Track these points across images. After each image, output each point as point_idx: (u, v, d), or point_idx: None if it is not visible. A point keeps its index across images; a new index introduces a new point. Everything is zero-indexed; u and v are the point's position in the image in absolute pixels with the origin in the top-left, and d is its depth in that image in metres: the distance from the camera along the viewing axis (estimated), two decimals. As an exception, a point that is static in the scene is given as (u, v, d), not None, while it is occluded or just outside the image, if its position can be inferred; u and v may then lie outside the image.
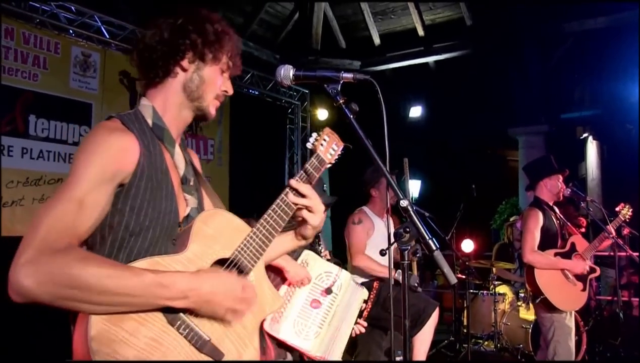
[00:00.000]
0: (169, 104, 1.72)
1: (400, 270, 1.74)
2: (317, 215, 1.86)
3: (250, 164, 8.87)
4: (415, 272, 4.68)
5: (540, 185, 4.73)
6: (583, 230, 6.97)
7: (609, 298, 7.16)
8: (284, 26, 10.95)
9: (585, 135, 11.06)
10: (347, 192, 5.03)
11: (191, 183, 1.76)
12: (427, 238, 1.59)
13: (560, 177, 4.70)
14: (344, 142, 2.01)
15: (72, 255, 1.35)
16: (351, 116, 1.71)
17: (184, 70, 1.71)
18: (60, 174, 6.30)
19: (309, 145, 1.94)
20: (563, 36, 9.38)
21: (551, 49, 9.51)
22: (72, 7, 6.57)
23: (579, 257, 4.64)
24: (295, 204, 1.81)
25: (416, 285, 4.41)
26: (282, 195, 1.81)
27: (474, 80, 10.37)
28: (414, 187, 11.23)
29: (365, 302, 4.21)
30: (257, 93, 9.13)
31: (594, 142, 11.07)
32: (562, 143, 10.23)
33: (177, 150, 1.72)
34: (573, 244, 4.67)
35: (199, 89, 1.72)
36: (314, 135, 1.97)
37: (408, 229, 1.58)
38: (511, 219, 8.96)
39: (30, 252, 1.32)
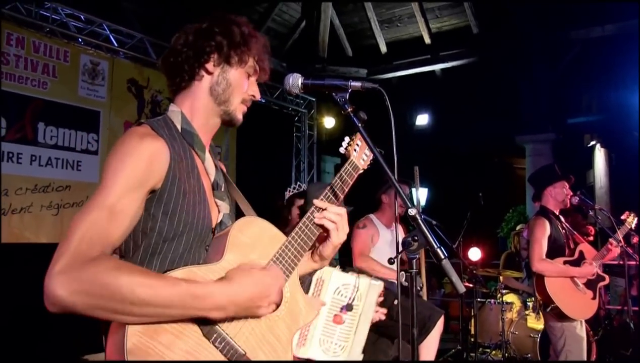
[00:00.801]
0: (196, 108, 1.70)
1: (405, 273, 1.72)
2: (341, 233, 1.83)
3: (257, 172, 8.88)
4: (423, 277, 4.66)
5: (546, 194, 4.70)
6: (591, 238, 6.93)
7: (619, 307, 7.10)
8: (291, 34, 10.99)
9: (593, 142, 11.01)
10: (355, 201, 5.01)
11: (222, 189, 1.74)
12: (436, 247, 1.57)
13: (566, 184, 4.66)
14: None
15: (105, 264, 1.32)
16: (359, 125, 1.71)
17: (210, 73, 1.69)
18: (69, 181, 6.34)
19: (341, 150, 1.92)
20: (570, 43, 9.36)
21: (558, 56, 9.49)
22: (82, 16, 6.64)
23: (586, 264, 4.61)
24: (320, 219, 1.79)
25: (420, 288, 4.39)
26: (308, 213, 1.79)
27: (481, 88, 10.35)
28: (421, 195, 11.21)
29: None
30: (264, 101, 9.15)
31: (602, 149, 11.02)
32: (570, 151, 10.19)
33: (208, 155, 1.70)
34: (581, 252, 4.63)
35: (225, 92, 1.70)
36: (346, 139, 1.95)
37: (416, 238, 1.58)
38: (517, 228, 8.91)
39: (63, 261, 1.30)
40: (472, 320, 6.61)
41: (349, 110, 1.71)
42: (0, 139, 5.75)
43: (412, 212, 1.55)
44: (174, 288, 1.35)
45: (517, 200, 10.74)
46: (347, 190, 1.90)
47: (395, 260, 1.76)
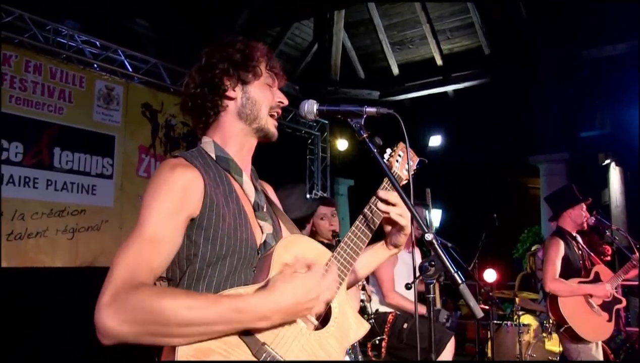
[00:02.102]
0: (228, 135, 1.73)
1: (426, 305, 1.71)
2: (408, 221, 1.81)
3: (270, 194, 8.88)
4: (437, 299, 4.62)
5: (564, 216, 4.68)
6: (609, 258, 6.83)
7: (637, 329, 6.96)
8: (303, 57, 11.09)
9: (607, 161, 10.92)
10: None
11: (264, 209, 1.74)
12: (453, 271, 1.56)
13: (584, 206, 4.64)
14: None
15: (147, 291, 1.35)
16: (375, 150, 1.71)
17: (232, 99, 1.72)
18: (84, 205, 6.39)
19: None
20: (582, 62, 9.35)
21: (571, 75, 9.47)
22: (97, 42, 6.76)
23: (602, 284, 4.56)
24: (385, 213, 1.78)
25: (445, 320, 4.37)
26: (370, 204, 1.79)
27: (493, 108, 10.34)
28: (435, 216, 11.15)
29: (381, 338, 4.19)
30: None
31: (617, 168, 10.91)
32: (584, 170, 10.11)
33: (246, 178, 1.72)
34: (597, 274, 4.59)
35: (253, 110, 1.72)
36: (388, 151, 1.93)
37: (433, 263, 1.56)
38: (533, 248, 8.81)
39: (109, 294, 1.33)
40: (489, 343, 6.51)
41: (365, 135, 1.71)
42: (16, 163, 5.84)
43: (428, 237, 1.54)
44: (216, 305, 1.37)
45: (532, 221, 10.64)
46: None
47: (413, 285, 1.74)
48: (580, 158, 9.74)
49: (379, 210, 1.79)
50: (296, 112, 10.03)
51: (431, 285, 1.64)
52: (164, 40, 8.44)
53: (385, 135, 1.79)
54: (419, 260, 1.82)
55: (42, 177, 6.08)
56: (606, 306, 4.50)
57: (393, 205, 1.79)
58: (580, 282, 4.48)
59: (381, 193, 1.80)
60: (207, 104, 1.71)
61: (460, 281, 1.54)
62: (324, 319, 1.64)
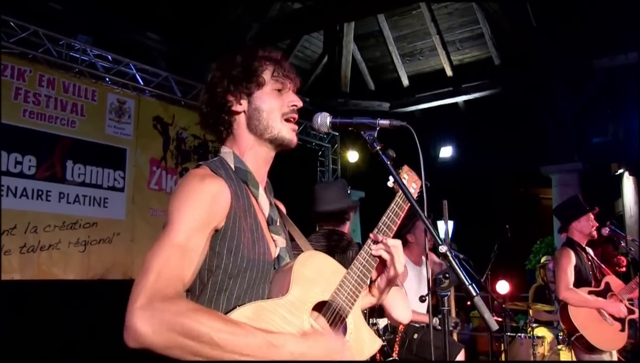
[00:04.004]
0: (243, 148, 1.74)
1: (437, 317, 1.70)
2: (397, 264, 1.81)
3: (281, 207, 8.88)
4: (453, 310, 4.58)
5: (571, 228, 4.69)
6: (624, 269, 6.76)
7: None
8: (314, 70, 11.12)
9: (620, 171, 10.82)
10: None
11: (277, 223, 1.76)
12: (467, 284, 1.55)
13: (591, 216, 4.62)
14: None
15: (185, 305, 1.37)
16: (388, 163, 1.71)
17: (240, 112, 1.74)
18: (96, 218, 6.42)
19: (390, 185, 1.89)
20: (593, 72, 9.30)
21: (582, 85, 9.42)
22: (109, 56, 6.83)
23: (614, 297, 4.53)
24: (377, 256, 1.80)
25: (452, 327, 4.33)
26: (365, 246, 1.81)
27: (504, 119, 10.29)
28: (448, 227, 11.07)
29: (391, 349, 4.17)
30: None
31: (630, 177, 10.80)
32: (597, 180, 10.02)
33: (261, 192, 1.74)
34: (607, 284, 4.59)
35: (262, 120, 1.72)
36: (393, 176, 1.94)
37: (447, 275, 1.56)
38: (542, 260, 8.72)
39: (143, 298, 1.33)
40: (503, 356, 6.43)
41: (378, 148, 1.71)
42: (30, 177, 5.90)
43: (442, 249, 1.54)
44: (252, 337, 1.38)
45: (545, 232, 10.54)
46: (399, 222, 1.90)
47: (427, 298, 1.74)
48: (592, 168, 9.65)
49: (371, 250, 1.80)
50: (307, 124, 10.06)
51: (445, 298, 1.63)
52: (174, 53, 8.51)
53: (396, 146, 1.79)
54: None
55: (55, 190, 6.12)
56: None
57: (385, 247, 1.79)
58: (590, 292, 4.46)
59: (373, 235, 1.82)
60: (218, 121, 1.74)
61: (474, 293, 1.53)
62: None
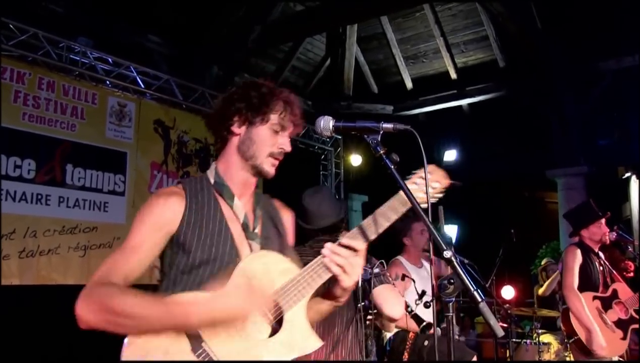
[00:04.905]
0: (228, 165, 1.96)
1: (440, 326, 1.67)
2: (352, 276, 1.84)
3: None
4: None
5: (582, 234, 4.68)
6: (631, 274, 6.68)
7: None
8: (316, 72, 11.08)
9: (627, 174, 10.71)
10: (383, 242, 4.90)
11: (255, 230, 1.94)
12: (473, 289, 1.52)
13: (603, 221, 4.59)
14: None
15: (109, 288, 1.68)
16: (392, 167, 1.69)
17: (236, 134, 1.93)
18: (96, 222, 6.36)
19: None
20: (600, 74, 9.22)
21: (588, 87, 9.34)
22: (110, 59, 6.79)
23: (620, 305, 4.49)
24: (332, 262, 1.82)
25: (457, 335, 4.27)
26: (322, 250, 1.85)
27: (509, 122, 10.24)
28: (451, 232, 11.00)
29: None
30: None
31: (638, 181, 10.69)
32: (604, 184, 9.93)
33: (237, 203, 1.93)
34: (615, 291, 4.58)
35: (250, 149, 1.91)
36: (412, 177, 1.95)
37: (452, 281, 1.51)
38: (542, 263, 8.63)
39: (86, 289, 1.69)
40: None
41: (382, 152, 1.73)
42: (29, 181, 5.84)
43: (447, 254, 1.49)
44: (161, 306, 1.68)
45: (550, 236, 10.45)
46: (386, 226, 1.86)
47: (431, 303, 1.69)
48: (599, 171, 9.56)
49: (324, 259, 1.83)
50: (309, 128, 10.03)
51: (450, 304, 1.61)
52: (176, 56, 8.47)
53: (400, 150, 1.78)
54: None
55: (55, 194, 6.06)
56: (621, 324, 4.47)
57: (340, 255, 1.82)
58: (595, 297, 4.46)
59: (329, 245, 1.85)
60: (216, 132, 1.97)
61: (480, 299, 1.52)
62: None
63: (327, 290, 1.95)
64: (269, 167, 1.93)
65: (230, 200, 1.91)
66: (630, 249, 5.18)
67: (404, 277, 4.43)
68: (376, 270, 2.78)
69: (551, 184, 10.02)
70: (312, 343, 1.83)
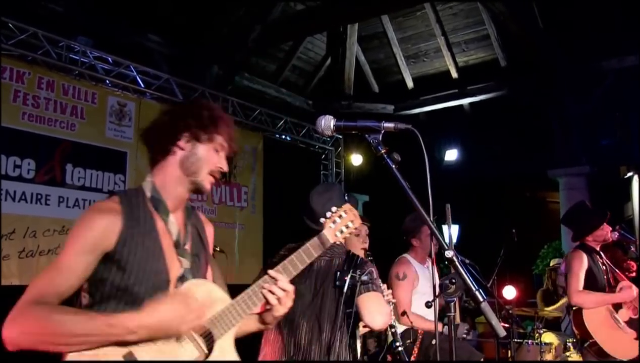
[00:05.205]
0: (167, 179, 1.97)
1: (446, 323, 1.66)
2: (284, 307, 2.01)
3: (284, 211, 8.80)
4: (457, 316, 4.47)
5: (586, 237, 4.63)
6: (634, 274, 6.64)
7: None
8: (317, 72, 11.07)
9: (629, 174, 10.67)
10: (386, 241, 4.89)
11: (186, 247, 1.97)
12: (474, 289, 1.51)
13: (604, 224, 4.55)
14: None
15: (44, 308, 1.67)
16: (393, 166, 1.68)
17: (182, 149, 1.95)
18: (95, 222, 6.33)
19: (321, 221, 2.07)
20: (602, 74, 9.19)
21: (590, 86, 9.31)
22: (109, 58, 6.77)
23: (628, 304, 4.46)
24: (270, 292, 1.98)
25: (465, 334, 4.26)
26: (260, 281, 1.98)
27: (511, 121, 10.22)
28: (453, 232, 10.98)
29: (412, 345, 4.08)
30: (290, 139, 9.15)
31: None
32: (605, 183, 9.90)
33: (172, 219, 1.96)
34: (621, 290, 4.49)
35: (194, 165, 1.95)
36: (333, 209, 2.11)
37: (454, 280, 1.50)
38: (552, 263, 8.60)
39: (15, 311, 1.66)
40: (510, 363, 6.31)
41: (383, 151, 1.73)
42: (29, 180, 5.83)
43: (449, 254, 1.48)
44: (93, 321, 1.69)
45: (552, 236, 10.42)
46: (308, 262, 2.04)
47: (433, 303, 1.69)
48: (601, 171, 9.54)
49: (263, 289, 1.98)
50: (310, 127, 9.96)
51: (452, 303, 1.60)
52: (176, 56, 8.45)
53: (401, 149, 1.77)
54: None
55: (54, 194, 6.04)
56: (633, 324, 4.42)
57: (279, 287, 1.98)
58: None
59: (271, 273, 2.00)
60: (161, 143, 1.96)
61: (481, 299, 1.54)
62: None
63: (258, 316, 2.11)
64: (208, 184, 1.99)
65: (165, 216, 1.94)
66: (632, 249, 5.15)
67: (404, 276, 4.43)
68: (364, 278, 2.74)
69: (553, 184, 10.00)
70: None
